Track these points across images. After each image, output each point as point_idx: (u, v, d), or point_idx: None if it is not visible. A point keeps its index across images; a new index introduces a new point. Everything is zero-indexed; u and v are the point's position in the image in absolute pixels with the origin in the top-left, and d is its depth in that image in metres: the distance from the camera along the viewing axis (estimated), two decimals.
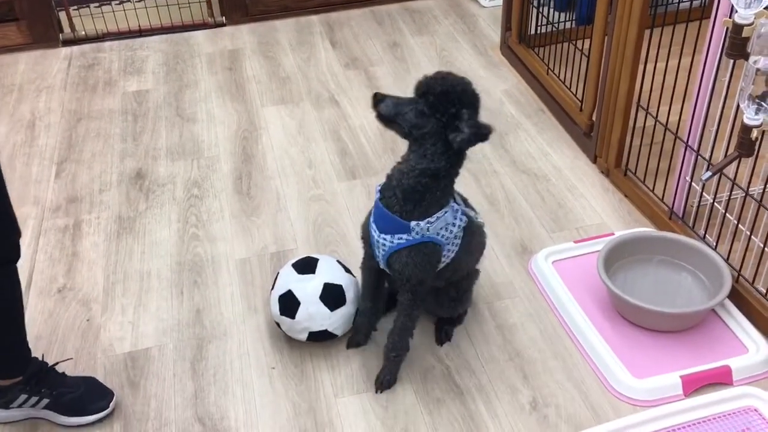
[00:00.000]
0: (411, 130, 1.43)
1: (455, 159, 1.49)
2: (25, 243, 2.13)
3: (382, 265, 1.60)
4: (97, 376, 1.72)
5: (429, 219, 1.50)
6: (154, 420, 1.63)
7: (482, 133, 1.42)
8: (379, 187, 1.56)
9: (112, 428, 1.61)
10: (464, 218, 1.57)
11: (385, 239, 1.53)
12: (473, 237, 1.62)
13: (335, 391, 1.68)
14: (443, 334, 1.79)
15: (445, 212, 1.52)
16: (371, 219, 1.57)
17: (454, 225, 1.55)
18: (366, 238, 1.62)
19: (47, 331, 1.85)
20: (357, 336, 1.76)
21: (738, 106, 1.64)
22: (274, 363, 1.75)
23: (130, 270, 2.03)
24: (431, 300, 1.73)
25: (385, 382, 1.68)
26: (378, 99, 1.45)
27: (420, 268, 1.54)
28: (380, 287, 1.72)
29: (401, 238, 1.51)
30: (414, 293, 1.59)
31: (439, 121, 1.42)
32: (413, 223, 1.49)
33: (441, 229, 1.53)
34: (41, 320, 1.88)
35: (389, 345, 1.67)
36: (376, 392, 1.67)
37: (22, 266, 2.04)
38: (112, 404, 1.62)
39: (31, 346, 1.79)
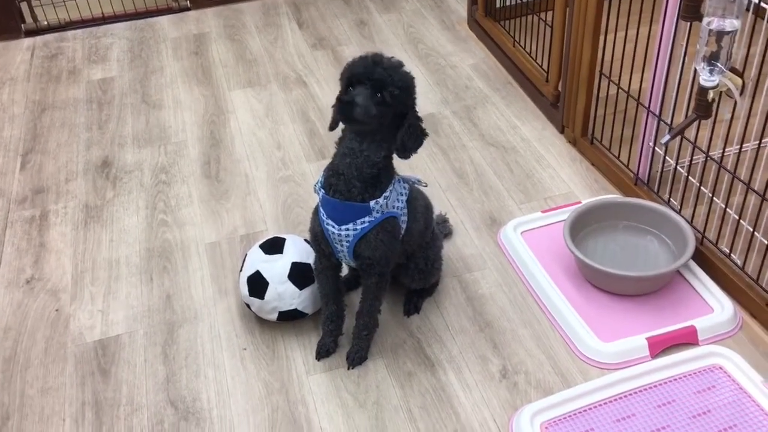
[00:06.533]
0: (372, 123, 1.42)
1: (423, 140, 1.52)
2: None
3: (347, 259, 1.59)
4: (68, 365, 1.72)
5: (385, 194, 1.51)
6: (126, 405, 1.63)
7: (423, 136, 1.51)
8: (321, 184, 1.54)
9: (83, 415, 1.61)
10: (407, 185, 1.60)
11: (347, 229, 1.52)
12: (414, 203, 1.63)
13: (307, 369, 1.69)
14: (412, 306, 1.80)
15: (394, 183, 1.54)
16: (322, 217, 1.55)
17: (402, 194, 1.57)
18: (320, 238, 1.58)
19: (16, 323, 1.84)
20: (326, 343, 1.70)
21: (695, 70, 1.65)
22: (245, 344, 1.75)
23: (98, 258, 2.02)
24: (402, 273, 1.74)
25: (356, 358, 1.69)
26: (351, 104, 1.38)
27: (388, 247, 1.55)
28: (341, 288, 1.69)
29: (364, 222, 1.51)
30: (381, 275, 1.59)
31: (397, 109, 1.44)
32: (373, 203, 1.50)
33: (395, 201, 1.55)
34: (10, 312, 1.87)
35: (360, 325, 1.67)
36: (348, 369, 1.68)
37: None
38: None
39: (0, 337, 1.80)
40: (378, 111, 1.40)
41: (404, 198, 1.58)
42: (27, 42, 3.10)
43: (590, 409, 1.54)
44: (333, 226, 1.53)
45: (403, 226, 1.59)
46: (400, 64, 1.44)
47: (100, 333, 1.80)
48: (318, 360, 1.70)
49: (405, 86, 1.43)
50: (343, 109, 1.39)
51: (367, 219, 1.51)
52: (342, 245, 1.54)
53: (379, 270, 1.58)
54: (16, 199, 2.25)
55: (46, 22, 3.15)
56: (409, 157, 1.49)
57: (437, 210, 1.87)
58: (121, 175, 2.32)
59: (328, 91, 2.68)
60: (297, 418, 1.59)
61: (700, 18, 1.59)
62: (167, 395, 1.64)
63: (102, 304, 1.88)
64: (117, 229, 2.11)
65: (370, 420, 1.58)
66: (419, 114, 1.50)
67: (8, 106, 2.68)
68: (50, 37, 3.13)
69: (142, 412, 1.61)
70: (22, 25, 3.13)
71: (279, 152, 2.40)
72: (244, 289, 1.72)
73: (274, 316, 1.73)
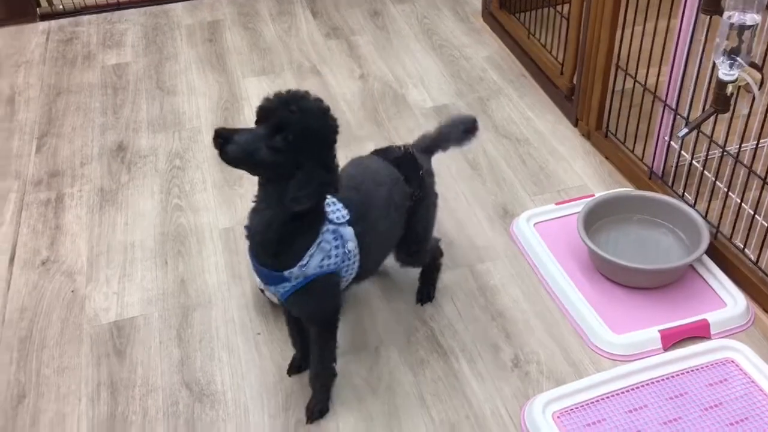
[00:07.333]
0: (265, 171, 1.25)
1: (328, 186, 1.28)
2: (8, 217, 2.13)
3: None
4: (83, 346, 1.74)
5: (301, 263, 1.32)
6: (141, 386, 1.64)
7: (326, 189, 1.28)
8: (246, 233, 1.36)
9: (99, 395, 1.63)
10: (346, 232, 1.37)
11: (271, 289, 1.39)
12: (367, 237, 1.42)
13: None
14: (425, 294, 1.81)
15: (318, 243, 1.33)
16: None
17: (336, 248, 1.36)
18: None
19: (32, 303, 1.85)
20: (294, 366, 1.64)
21: (714, 64, 1.65)
22: (259, 329, 1.77)
23: (113, 241, 2.03)
24: (397, 255, 1.63)
25: (315, 411, 1.55)
26: (222, 139, 1.20)
27: (319, 305, 1.42)
28: (305, 331, 1.56)
29: (285, 287, 1.36)
30: (322, 328, 1.47)
31: (297, 159, 1.22)
32: (287, 273, 1.33)
33: (322, 260, 1.34)
34: (26, 292, 1.89)
35: (312, 374, 1.55)
36: (307, 423, 1.54)
37: (6, 239, 2.05)
38: None
39: (15, 318, 1.81)
40: (271, 156, 1.20)
41: (340, 250, 1.36)
42: (42, 26, 3.11)
43: (602, 399, 1.55)
44: (260, 282, 1.42)
45: (354, 267, 1.42)
46: (317, 109, 1.23)
47: (116, 315, 1.81)
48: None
49: (307, 133, 1.20)
50: (216, 143, 1.20)
51: (286, 284, 1.35)
52: (275, 298, 1.45)
53: (318, 324, 1.46)
54: (32, 181, 2.26)
55: (61, 7, 3.16)
56: (296, 209, 1.24)
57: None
58: (135, 160, 2.33)
59: (341, 81, 2.68)
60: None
61: (720, 12, 1.59)
62: (182, 377, 1.66)
63: (117, 286, 1.89)
64: (132, 213, 2.12)
65: (382, 405, 1.59)
66: (334, 166, 1.28)
67: (24, 89, 2.70)
68: (65, 21, 3.14)
69: (157, 393, 1.63)
70: (38, 9, 3.14)
71: None
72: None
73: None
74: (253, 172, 1.27)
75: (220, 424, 1.56)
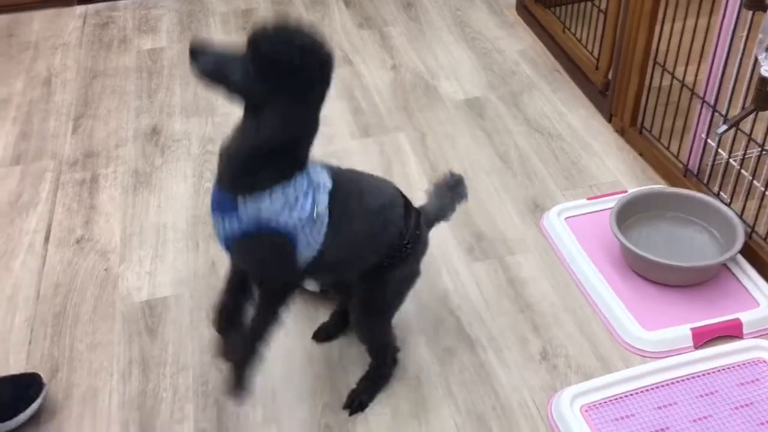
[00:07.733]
0: (239, 95, 1.15)
1: (304, 128, 1.19)
2: (44, 196, 2.17)
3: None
4: (116, 323, 1.77)
5: (257, 198, 1.18)
6: (172, 364, 1.67)
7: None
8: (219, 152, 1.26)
9: (131, 372, 1.66)
10: (326, 189, 1.24)
11: (217, 220, 1.24)
12: (343, 205, 1.27)
13: (348, 341, 1.71)
14: (356, 401, 1.55)
15: (284, 187, 1.19)
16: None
17: (305, 198, 1.22)
18: None
19: (66, 280, 1.89)
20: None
21: (755, 61, 1.63)
22: (287, 313, 1.77)
23: (146, 223, 2.06)
24: (355, 306, 1.45)
25: (235, 390, 1.36)
26: (195, 52, 1.11)
27: (263, 265, 1.27)
28: (245, 283, 1.36)
29: (232, 221, 1.21)
30: (268, 293, 1.30)
31: (275, 89, 1.12)
32: (240, 199, 1.19)
33: (282, 208, 1.20)
34: (60, 269, 1.92)
35: (239, 341, 1.36)
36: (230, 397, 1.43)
37: (42, 217, 2.08)
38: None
39: (50, 294, 1.84)
40: (241, 80, 1.12)
41: (307, 210, 1.21)
42: (79, 10, 3.16)
43: (631, 395, 1.54)
44: (211, 209, 1.27)
45: (314, 244, 1.25)
46: (304, 44, 1.12)
47: (148, 294, 1.84)
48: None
49: (284, 66, 1.10)
50: (191, 54, 1.11)
51: (235, 218, 1.21)
52: (219, 234, 1.27)
53: (262, 285, 1.31)
54: (67, 161, 2.30)
55: None
56: (251, 142, 1.17)
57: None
58: (169, 144, 2.35)
59: (373, 71, 2.69)
60: (338, 387, 1.61)
61: (764, 8, 1.57)
62: (212, 357, 1.68)
63: (150, 266, 1.92)
64: (165, 196, 2.15)
65: (409, 392, 1.60)
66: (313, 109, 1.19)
67: (61, 71, 2.74)
68: (101, 6, 3.18)
69: (188, 372, 1.65)
70: None
71: (323, 128, 2.40)
72: None
73: (317, 287, 1.75)
74: (227, 96, 1.16)
75: (248, 406, 1.58)
